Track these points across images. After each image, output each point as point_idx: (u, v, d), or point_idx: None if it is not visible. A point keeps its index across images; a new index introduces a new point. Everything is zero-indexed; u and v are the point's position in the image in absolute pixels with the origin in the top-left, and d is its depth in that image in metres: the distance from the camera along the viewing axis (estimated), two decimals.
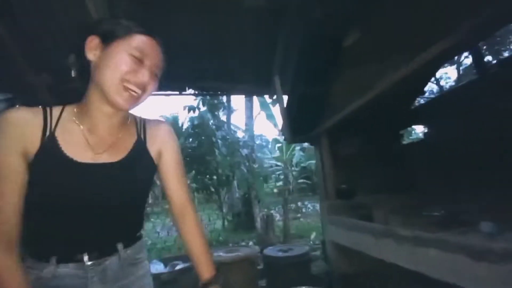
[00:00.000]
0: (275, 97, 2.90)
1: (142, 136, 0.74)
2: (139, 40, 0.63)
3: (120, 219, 0.71)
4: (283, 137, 2.74)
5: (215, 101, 4.86)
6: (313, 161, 8.61)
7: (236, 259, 2.27)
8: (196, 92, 2.86)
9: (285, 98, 2.67)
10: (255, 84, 2.91)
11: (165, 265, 2.32)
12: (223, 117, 6.67)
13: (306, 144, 7.97)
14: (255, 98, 7.53)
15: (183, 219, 0.78)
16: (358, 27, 1.82)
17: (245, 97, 6.82)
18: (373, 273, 1.93)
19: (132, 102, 0.64)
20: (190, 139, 4.43)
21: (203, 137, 4.11)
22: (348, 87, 2.09)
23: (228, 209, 6.44)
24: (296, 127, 2.59)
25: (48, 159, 0.61)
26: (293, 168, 8.51)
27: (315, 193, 10.41)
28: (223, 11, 2.18)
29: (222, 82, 2.84)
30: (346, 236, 2.06)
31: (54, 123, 0.63)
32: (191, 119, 5.15)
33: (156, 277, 2.08)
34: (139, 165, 0.72)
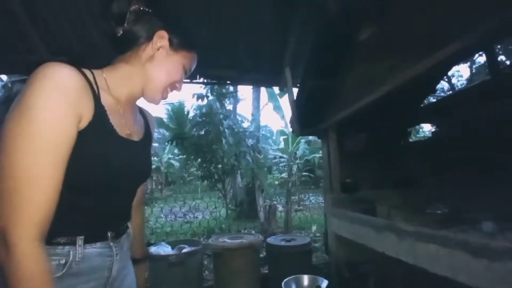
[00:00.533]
0: (284, 88, 2.90)
1: (145, 121, 0.82)
2: (193, 58, 0.74)
3: (132, 197, 0.75)
4: (291, 129, 2.76)
5: (223, 90, 4.87)
6: (317, 155, 8.63)
7: (240, 245, 2.35)
8: (206, 81, 2.87)
9: (295, 90, 2.68)
10: (265, 75, 2.92)
11: (173, 248, 2.41)
12: (229, 106, 6.68)
13: (311, 138, 7.98)
14: (262, 88, 7.51)
15: (137, 211, 0.88)
16: (375, 21, 1.80)
17: (253, 87, 6.80)
18: (373, 265, 1.99)
19: (160, 101, 0.72)
20: (196, 128, 4.48)
21: (210, 126, 4.15)
22: (359, 82, 2.09)
23: (231, 198, 6.55)
24: (305, 119, 2.61)
25: (99, 131, 0.57)
26: (297, 161, 8.55)
27: (318, 186, 10.47)
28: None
29: (232, 72, 2.85)
30: (349, 229, 2.11)
31: (97, 90, 0.59)
32: (199, 107, 5.18)
33: (165, 258, 2.17)
34: (149, 146, 0.79)
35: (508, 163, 1.67)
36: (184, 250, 2.31)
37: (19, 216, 0.46)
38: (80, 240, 0.58)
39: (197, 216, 7.29)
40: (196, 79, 2.73)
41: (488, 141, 1.88)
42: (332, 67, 2.28)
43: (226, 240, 2.49)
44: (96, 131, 0.57)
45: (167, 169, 13.39)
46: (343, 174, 2.49)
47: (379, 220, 1.80)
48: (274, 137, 12.09)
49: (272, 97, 7.99)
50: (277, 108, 8.20)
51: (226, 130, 4.47)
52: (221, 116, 4.36)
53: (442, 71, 2.85)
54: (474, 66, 7.64)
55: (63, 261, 0.56)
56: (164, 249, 2.36)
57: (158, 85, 0.67)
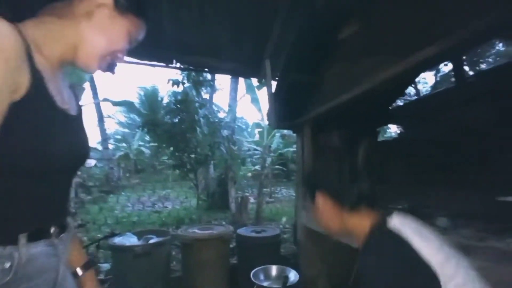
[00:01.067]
0: (263, 80, 2.88)
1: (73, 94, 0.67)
2: (140, 25, 0.62)
3: (71, 184, 0.63)
4: (268, 122, 2.76)
5: (200, 78, 4.71)
6: (291, 149, 8.81)
7: (210, 236, 2.33)
8: (183, 67, 2.75)
9: (274, 83, 2.67)
10: (244, 66, 2.86)
11: (139, 238, 2.32)
12: (206, 95, 6.52)
13: (286, 132, 8.10)
14: (240, 79, 7.41)
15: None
16: (356, 20, 1.84)
17: (231, 77, 6.69)
18: (338, 257, 2.09)
19: (97, 70, 0.60)
20: (169, 115, 4.31)
21: (185, 114, 4.00)
22: (337, 80, 2.14)
23: (203, 188, 6.46)
24: (282, 113, 2.62)
25: (38, 102, 0.47)
26: (271, 154, 8.65)
27: (290, 179, 10.74)
28: None
29: (211, 60, 2.76)
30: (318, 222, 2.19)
31: (32, 52, 0.47)
32: (174, 94, 4.97)
33: (130, 249, 2.08)
34: (84, 122, 0.66)
35: (465, 165, 1.83)
36: (151, 241, 2.23)
37: None
38: (23, 238, 0.49)
39: (167, 206, 7.11)
40: (172, 63, 2.59)
41: (449, 145, 2.03)
42: (312, 62, 2.30)
43: (196, 230, 2.45)
44: (34, 102, 0.46)
45: (137, 157, 12.84)
46: (316, 170, 2.56)
47: None
48: (249, 129, 12.09)
49: (250, 89, 7.94)
50: (254, 100, 8.17)
51: (201, 119, 4.35)
52: (197, 104, 4.23)
53: (413, 76, 3.02)
54: (438, 75, 8.23)
55: (7, 265, 0.46)
56: (129, 240, 2.25)
57: (94, 50, 0.56)
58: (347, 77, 1.94)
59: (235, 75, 4.98)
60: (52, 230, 0.55)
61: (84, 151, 0.62)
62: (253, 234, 2.59)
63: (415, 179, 2.22)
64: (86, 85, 8.25)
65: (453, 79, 2.67)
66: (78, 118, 0.62)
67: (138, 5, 0.60)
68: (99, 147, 10.73)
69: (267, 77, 2.61)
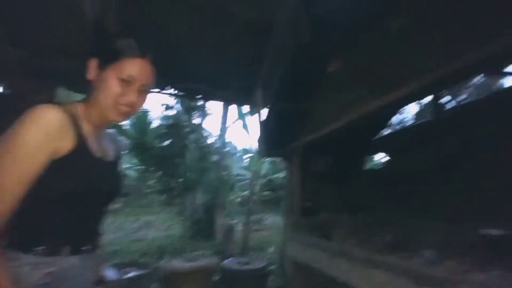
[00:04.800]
0: (255, 108, 2.96)
1: (115, 144, 0.88)
2: (129, 64, 0.71)
3: (104, 213, 0.80)
4: (258, 149, 2.79)
5: (191, 104, 4.79)
6: (280, 175, 8.78)
7: (193, 269, 2.21)
8: (176, 92, 2.80)
9: (265, 111, 2.74)
10: (236, 93, 2.95)
11: (116, 271, 2.17)
12: (196, 120, 6.57)
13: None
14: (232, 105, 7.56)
15: None
16: (342, 55, 1.97)
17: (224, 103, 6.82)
18: None
19: (122, 117, 0.75)
20: (159, 139, 4.28)
21: (175, 138, 3.99)
22: (325, 110, 2.23)
23: (188, 215, 6.25)
24: (272, 140, 2.67)
25: (79, 158, 0.68)
26: (259, 180, 8.58)
27: (278, 205, 10.56)
28: (213, 16, 2.21)
29: (204, 86, 2.83)
30: (305, 253, 2.13)
31: (79, 122, 0.71)
32: (165, 118, 4.99)
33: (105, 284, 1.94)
34: (120, 167, 0.86)
35: (448, 197, 1.88)
36: (129, 275, 2.08)
37: None
38: (66, 250, 0.66)
39: (148, 234, 6.75)
40: (166, 89, 2.65)
41: (431, 175, 2.10)
42: (302, 94, 2.40)
43: (179, 263, 2.33)
44: (75, 157, 0.67)
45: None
46: (304, 197, 2.56)
47: (332, 245, 1.85)
48: (238, 155, 12.08)
49: (241, 115, 8.07)
50: (245, 127, 8.28)
51: (191, 144, 4.34)
52: (188, 129, 4.24)
53: (396, 109, 3.18)
54: (422, 104, 8.66)
55: (51, 270, 0.63)
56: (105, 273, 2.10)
57: (103, 104, 0.71)
58: (334, 108, 2.03)
59: (228, 102, 5.09)
60: (86, 247, 0.71)
61: (113, 189, 0.80)
62: (238, 267, 2.49)
63: (398, 208, 2.24)
64: None
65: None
66: (113, 162, 0.82)
67: (113, 54, 0.71)
68: None
69: (258, 106, 2.69)
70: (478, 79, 6.99)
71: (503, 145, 1.58)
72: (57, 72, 1.83)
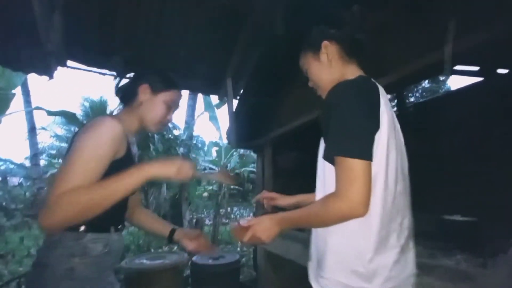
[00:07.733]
0: (224, 98, 2.84)
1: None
2: (174, 95, 1.01)
3: (128, 201, 1.01)
4: (227, 140, 2.69)
5: None
6: (248, 168, 8.79)
7: (161, 267, 2.08)
8: None
9: (235, 102, 2.64)
10: (205, 83, 2.79)
11: None
12: None
13: (241, 151, 8.09)
14: (199, 97, 7.28)
15: (141, 210, 1.26)
16: None
17: (190, 94, 6.53)
18: (300, 282, 2.03)
19: (158, 131, 1.08)
20: None
21: None
22: (297, 103, 2.21)
23: (154, 210, 5.93)
24: (242, 133, 2.59)
25: (127, 160, 0.91)
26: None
27: (246, 200, 10.61)
28: (182, 1, 2.04)
29: (170, 74, 2.62)
30: (279, 245, 2.13)
31: (126, 132, 0.93)
32: None
33: None
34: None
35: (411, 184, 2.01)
36: None
37: (64, 182, 0.76)
38: (113, 229, 0.93)
39: None
40: (125, 74, 2.39)
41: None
42: (273, 86, 2.35)
43: (144, 261, 2.17)
44: (125, 159, 0.91)
45: None
46: (275, 190, 2.55)
47: (306, 235, 1.87)
48: (206, 148, 11.78)
49: (208, 107, 7.82)
50: (213, 119, 8.06)
51: (155, 136, 4.07)
52: None
53: None
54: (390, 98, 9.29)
55: (105, 243, 0.89)
56: None
57: (149, 121, 0.98)
58: (304, 102, 2.02)
59: (196, 91, 4.86)
60: (120, 227, 0.97)
61: None
62: (210, 262, 2.40)
63: None
64: (18, 90, 7.08)
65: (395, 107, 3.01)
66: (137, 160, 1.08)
67: (165, 83, 0.99)
68: (27, 163, 9.16)
69: (229, 96, 2.58)
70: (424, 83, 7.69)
71: (462, 135, 1.71)
72: None
